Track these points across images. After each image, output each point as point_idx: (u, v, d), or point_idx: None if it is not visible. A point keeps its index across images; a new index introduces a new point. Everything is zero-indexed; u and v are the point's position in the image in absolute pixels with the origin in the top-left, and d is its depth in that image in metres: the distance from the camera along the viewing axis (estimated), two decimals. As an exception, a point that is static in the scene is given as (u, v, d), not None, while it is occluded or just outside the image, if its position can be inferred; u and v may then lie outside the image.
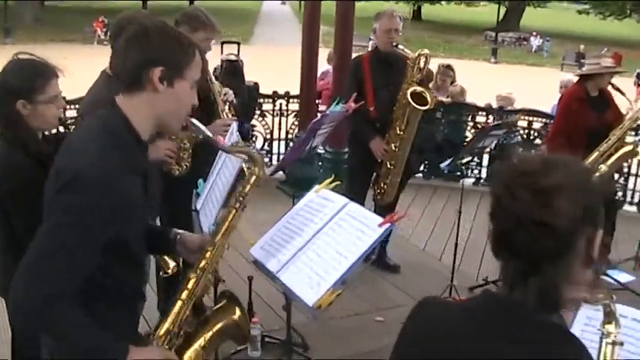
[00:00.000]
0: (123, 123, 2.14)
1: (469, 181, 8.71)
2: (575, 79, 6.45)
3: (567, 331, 1.56)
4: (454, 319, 1.57)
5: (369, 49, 5.90)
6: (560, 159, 1.52)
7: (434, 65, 9.08)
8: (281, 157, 8.59)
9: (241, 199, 2.48)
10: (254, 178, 2.49)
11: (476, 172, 8.82)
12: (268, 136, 8.74)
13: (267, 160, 8.79)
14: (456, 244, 5.65)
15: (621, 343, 1.97)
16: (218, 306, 2.57)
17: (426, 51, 5.54)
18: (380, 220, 2.51)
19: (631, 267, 6.29)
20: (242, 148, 2.62)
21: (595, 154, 5.91)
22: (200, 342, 2.44)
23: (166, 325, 2.34)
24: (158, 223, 4.27)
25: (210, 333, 2.47)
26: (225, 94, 4.55)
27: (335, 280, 2.36)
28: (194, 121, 2.37)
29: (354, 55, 6.59)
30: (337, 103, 4.23)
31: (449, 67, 9.15)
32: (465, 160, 8.05)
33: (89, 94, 3.77)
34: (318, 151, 8.23)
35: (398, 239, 6.58)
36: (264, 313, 5.06)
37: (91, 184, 1.97)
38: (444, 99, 8.70)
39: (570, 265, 1.48)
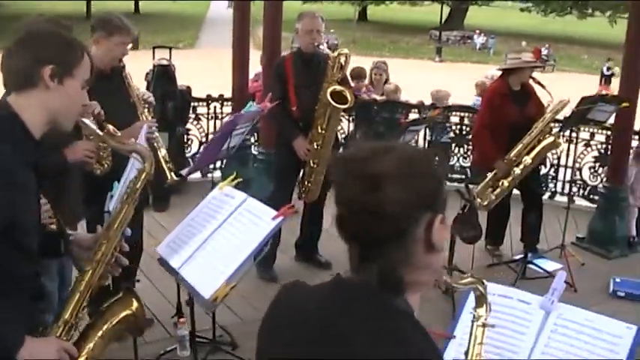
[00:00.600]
0: (12, 119, 2.20)
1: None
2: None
3: (410, 318, 1.53)
4: (310, 302, 1.60)
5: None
6: (393, 146, 1.53)
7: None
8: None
9: (133, 194, 2.50)
10: (144, 174, 2.51)
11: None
12: (204, 140, 8.72)
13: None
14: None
15: (492, 326, 2.05)
16: (115, 298, 2.59)
17: (346, 50, 5.64)
18: (274, 213, 2.56)
19: (557, 255, 6.46)
20: (128, 145, 2.61)
21: (519, 147, 6.09)
22: (98, 333, 2.47)
23: (65, 316, 2.39)
24: (84, 225, 4.28)
25: (108, 324, 2.51)
26: (144, 95, 4.56)
27: (230, 273, 2.41)
28: (85, 120, 2.44)
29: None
30: (250, 105, 4.27)
31: (383, 63, 9.24)
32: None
33: None
34: (253, 152, 8.28)
35: (334, 236, 6.64)
36: (196, 313, 5.09)
37: None
38: (378, 97, 8.80)
39: (409, 250, 1.49)
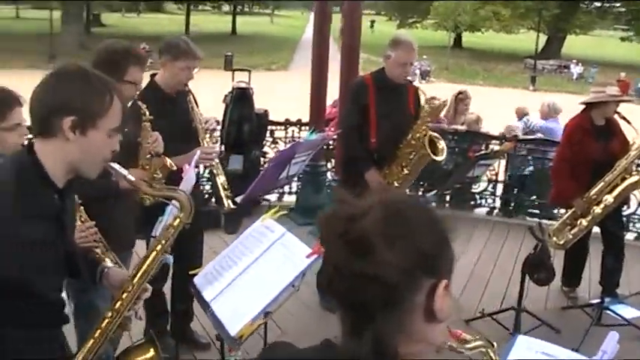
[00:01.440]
0: (33, 167, 2.13)
1: (482, 211, 8.60)
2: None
3: None
4: None
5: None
6: (381, 198, 1.35)
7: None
8: (293, 184, 8.58)
9: (164, 241, 2.41)
10: (177, 221, 2.40)
11: (490, 201, 8.66)
12: (281, 163, 8.72)
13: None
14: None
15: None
16: (136, 344, 2.53)
17: (444, 100, 5.37)
18: (308, 250, 2.45)
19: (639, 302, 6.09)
20: (167, 191, 2.45)
21: (600, 185, 5.79)
22: None
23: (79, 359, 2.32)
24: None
25: None
26: (206, 122, 4.53)
27: (256, 313, 2.32)
28: (114, 165, 2.31)
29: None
30: (312, 132, 4.18)
31: (464, 93, 9.02)
32: (478, 189, 8.01)
33: None
34: (328, 177, 8.22)
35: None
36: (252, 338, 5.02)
37: None
38: (459, 127, 8.60)
39: (405, 318, 1.32)
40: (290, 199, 8.57)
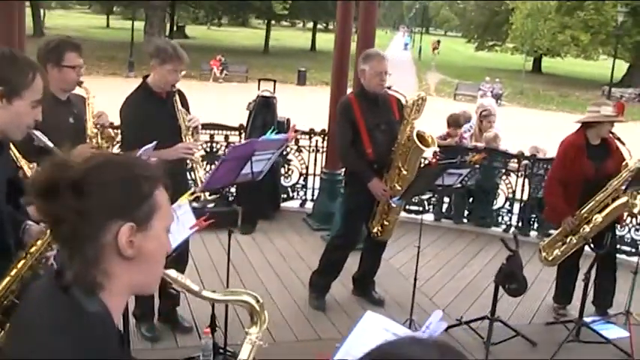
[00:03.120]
0: None
1: (499, 229, 8.68)
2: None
3: (82, 317, 1.49)
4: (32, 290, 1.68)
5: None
6: (100, 154, 1.64)
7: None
8: (315, 191, 8.88)
9: None
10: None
11: (506, 219, 8.74)
12: (304, 171, 9.02)
13: (302, 193, 9.09)
14: (415, 280, 5.70)
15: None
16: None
17: (423, 94, 5.66)
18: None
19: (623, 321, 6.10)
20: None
21: (591, 204, 5.89)
22: None
23: None
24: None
25: None
26: (189, 120, 4.88)
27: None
28: (36, 132, 2.80)
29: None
30: (272, 132, 4.46)
31: (488, 110, 9.11)
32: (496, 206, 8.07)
33: None
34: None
35: (395, 276, 6.72)
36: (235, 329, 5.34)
37: None
38: (478, 144, 8.72)
39: (99, 253, 1.52)
40: (310, 205, 8.86)
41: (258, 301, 2.12)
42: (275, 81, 8.81)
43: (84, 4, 70.51)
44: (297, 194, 9.15)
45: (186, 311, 5.56)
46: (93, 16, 72.95)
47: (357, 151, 5.60)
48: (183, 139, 4.81)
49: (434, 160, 5.45)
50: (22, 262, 2.77)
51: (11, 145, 2.99)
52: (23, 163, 3.12)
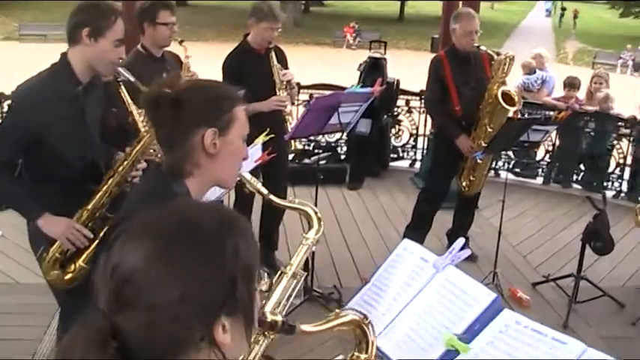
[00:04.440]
0: (66, 66, 3.17)
1: (609, 194, 8.53)
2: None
3: (169, 194, 2.05)
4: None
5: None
6: (187, 83, 2.14)
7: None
8: (417, 151, 9.08)
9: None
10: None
11: (616, 184, 8.57)
12: (414, 132, 9.21)
13: (412, 154, 9.30)
14: (499, 233, 5.81)
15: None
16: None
17: (511, 53, 5.74)
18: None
19: None
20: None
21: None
22: None
23: (88, 207, 3.24)
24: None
25: None
26: (283, 75, 5.22)
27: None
28: (120, 69, 3.23)
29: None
30: (357, 86, 4.71)
31: (599, 74, 8.94)
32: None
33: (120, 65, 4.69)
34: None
35: (492, 234, 6.82)
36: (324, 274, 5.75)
37: (19, 100, 3.17)
38: (590, 108, 8.60)
39: (189, 151, 2.06)
40: (419, 165, 9.06)
41: (316, 213, 2.46)
42: (385, 43, 8.98)
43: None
44: (407, 154, 9.36)
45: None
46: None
47: (445, 107, 5.80)
48: (277, 93, 5.17)
49: (515, 117, 5.50)
50: (111, 179, 3.27)
51: (123, 89, 3.42)
52: (133, 107, 3.47)
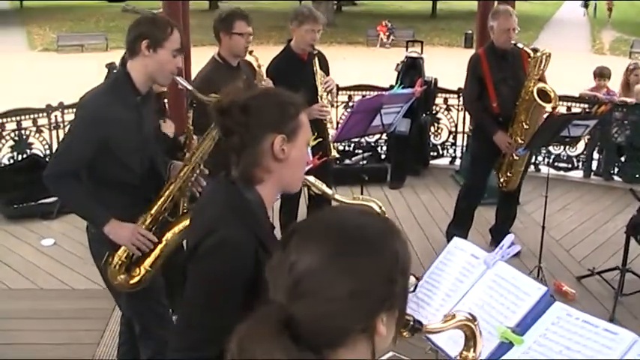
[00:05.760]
0: (126, 76, 3.34)
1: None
2: None
3: (244, 202, 2.14)
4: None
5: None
6: (246, 94, 2.15)
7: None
8: (457, 149, 9.17)
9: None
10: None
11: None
12: (453, 129, 9.29)
13: (451, 151, 9.38)
14: (543, 228, 5.86)
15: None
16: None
17: (548, 50, 5.78)
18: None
19: None
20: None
21: None
22: (175, 229, 3.46)
23: (151, 212, 3.41)
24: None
25: (183, 224, 3.43)
26: (326, 83, 5.34)
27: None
28: (178, 78, 3.46)
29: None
30: (399, 87, 4.82)
31: (635, 64, 8.92)
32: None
33: (199, 74, 4.86)
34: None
35: (534, 228, 6.85)
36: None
37: (87, 110, 3.31)
38: (628, 99, 8.58)
39: (258, 157, 2.12)
40: (459, 162, 9.14)
41: (380, 207, 2.60)
42: (422, 42, 9.06)
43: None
44: (447, 152, 9.44)
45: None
46: (266, -13, 75.02)
47: (483, 104, 5.90)
48: (319, 100, 5.30)
49: (555, 112, 5.55)
50: (172, 185, 3.44)
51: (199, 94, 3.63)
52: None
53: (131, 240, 3.33)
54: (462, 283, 2.81)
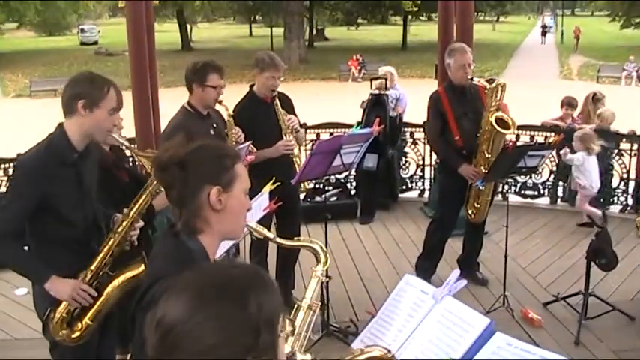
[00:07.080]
0: (62, 136, 3.40)
1: (616, 209, 8.73)
2: None
3: (187, 252, 2.24)
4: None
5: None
6: (185, 149, 2.26)
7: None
8: (425, 181, 9.34)
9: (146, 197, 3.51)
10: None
11: (622, 199, 8.76)
12: (420, 162, 9.46)
13: (420, 184, 9.55)
14: (505, 257, 6.02)
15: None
16: (134, 260, 3.61)
17: (502, 81, 5.99)
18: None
19: None
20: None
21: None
22: (115, 283, 3.56)
23: (91, 267, 3.49)
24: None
25: (123, 277, 3.55)
26: (289, 120, 5.50)
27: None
28: (115, 135, 3.62)
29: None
30: (357, 127, 4.98)
31: (599, 93, 9.19)
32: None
33: (170, 123, 4.97)
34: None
35: (501, 257, 6.98)
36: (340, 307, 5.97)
37: (24, 169, 3.38)
38: (586, 126, 8.81)
39: (199, 209, 2.24)
40: (426, 195, 9.31)
41: (321, 247, 2.74)
42: (386, 78, 9.25)
43: (229, 17, 73.25)
44: (415, 185, 9.61)
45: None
46: (238, 26, 75.67)
47: (446, 139, 6.07)
48: (284, 137, 5.46)
49: (510, 145, 5.74)
50: (112, 240, 3.54)
51: (135, 150, 3.81)
52: (144, 160, 3.81)
53: (72, 295, 3.40)
54: (413, 318, 2.93)
